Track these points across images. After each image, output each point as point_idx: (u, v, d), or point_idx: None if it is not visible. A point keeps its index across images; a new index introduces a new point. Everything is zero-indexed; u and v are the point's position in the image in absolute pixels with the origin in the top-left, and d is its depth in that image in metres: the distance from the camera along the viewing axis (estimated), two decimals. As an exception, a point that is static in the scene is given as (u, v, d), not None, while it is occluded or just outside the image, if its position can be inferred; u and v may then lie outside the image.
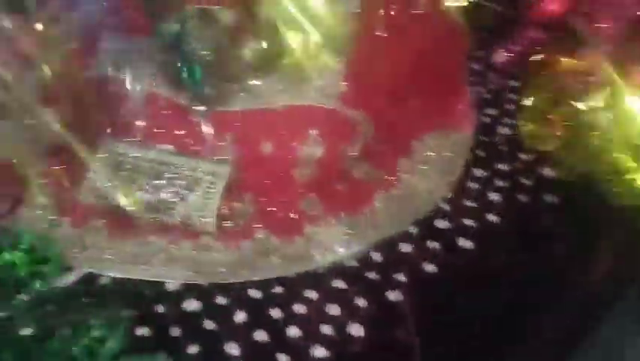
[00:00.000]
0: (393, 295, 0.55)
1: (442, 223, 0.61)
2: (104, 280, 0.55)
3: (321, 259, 0.57)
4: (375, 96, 0.65)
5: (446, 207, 0.63)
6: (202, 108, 0.59)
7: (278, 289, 0.55)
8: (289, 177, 0.60)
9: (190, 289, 0.54)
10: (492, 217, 0.62)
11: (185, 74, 0.57)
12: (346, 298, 0.55)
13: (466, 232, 0.60)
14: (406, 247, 0.59)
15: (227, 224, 0.58)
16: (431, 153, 0.66)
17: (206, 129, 0.60)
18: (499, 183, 0.66)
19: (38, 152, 0.64)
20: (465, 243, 0.60)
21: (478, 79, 0.75)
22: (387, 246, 0.59)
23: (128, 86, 0.61)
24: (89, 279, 0.55)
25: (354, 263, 0.57)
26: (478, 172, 0.66)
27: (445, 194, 0.63)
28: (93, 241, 0.57)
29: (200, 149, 0.60)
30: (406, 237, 0.60)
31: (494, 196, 0.64)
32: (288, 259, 0.56)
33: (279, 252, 0.57)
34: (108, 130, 0.61)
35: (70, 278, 0.55)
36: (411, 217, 0.61)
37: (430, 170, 0.65)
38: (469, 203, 0.63)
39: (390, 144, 0.65)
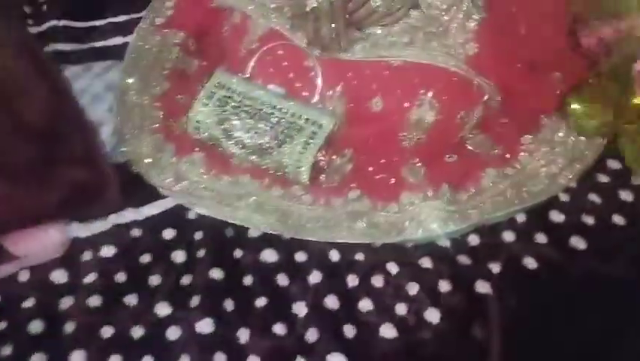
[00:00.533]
0: (482, 287, 0.50)
1: (556, 216, 0.54)
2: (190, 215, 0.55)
3: (412, 233, 0.53)
4: (509, 63, 0.58)
5: (566, 198, 0.55)
6: (317, 52, 0.56)
7: (359, 256, 0.52)
8: (395, 139, 0.56)
9: (271, 240, 0.53)
10: (618, 219, 0.54)
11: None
12: (430, 279, 0.51)
13: (582, 231, 0.53)
14: (508, 236, 0.53)
15: (322, 178, 0.56)
16: (561, 134, 0.58)
17: (318, 76, 0.57)
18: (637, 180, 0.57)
19: (158, 75, 0.65)
20: (578, 242, 0.53)
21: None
22: (488, 231, 0.53)
23: (250, 19, 0.60)
24: (177, 212, 0.55)
25: (447, 243, 0.53)
26: (614, 164, 0.58)
27: (567, 183, 0.56)
28: (189, 174, 0.57)
29: (308, 95, 0.57)
30: (512, 224, 0.54)
31: (627, 195, 0.56)
32: (376, 226, 0.53)
33: (368, 217, 0.53)
34: (223, 63, 0.60)
35: (158, 208, 0.55)
36: (521, 203, 0.54)
37: (557, 153, 0.57)
38: (594, 198, 0.56)
39: (516, 117, 0.58)
